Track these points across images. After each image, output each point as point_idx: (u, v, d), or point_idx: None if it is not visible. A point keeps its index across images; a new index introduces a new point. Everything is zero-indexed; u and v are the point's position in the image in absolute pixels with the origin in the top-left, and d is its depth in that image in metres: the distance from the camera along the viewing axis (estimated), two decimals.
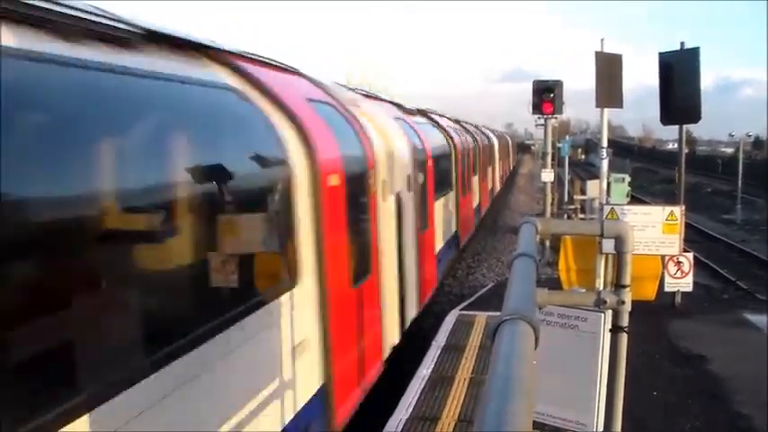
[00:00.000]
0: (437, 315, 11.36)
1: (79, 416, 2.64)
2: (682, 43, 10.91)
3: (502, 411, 0.92)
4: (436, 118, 16.82)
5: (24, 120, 2.69)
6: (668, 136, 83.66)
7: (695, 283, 11.80)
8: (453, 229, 15.52)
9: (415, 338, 9.80)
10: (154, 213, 3.55)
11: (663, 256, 10.70)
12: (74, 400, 2.64)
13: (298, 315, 5.00)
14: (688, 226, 19.12)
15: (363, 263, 7.03)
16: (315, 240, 5.40)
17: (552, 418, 3.24)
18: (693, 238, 22.75)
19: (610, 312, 3.02)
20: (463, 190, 17.54)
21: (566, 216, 22.12)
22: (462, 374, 8.06)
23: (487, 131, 34.17)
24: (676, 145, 13.67)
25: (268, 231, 5.00)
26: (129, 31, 3.64)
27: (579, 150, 79.48)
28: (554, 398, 3.13)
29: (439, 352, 8.97)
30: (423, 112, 15.30)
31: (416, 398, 7.34)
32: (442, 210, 13.50)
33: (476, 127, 28.64)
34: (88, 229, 3.03)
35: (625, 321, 2.94)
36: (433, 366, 8.41)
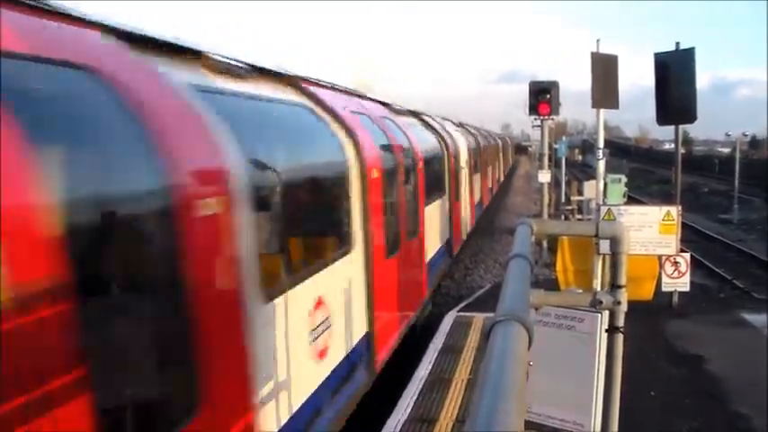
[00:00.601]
0: (435, 317, 11.35)
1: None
2: (677, 43, 10.94)
3: (493, 411, 0.92)
4: (467, 127, 26.96)
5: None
6: (665, 136, 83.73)
7: (692, 283, 11.81)
8: (479, 196, 24.49)
9: (413, 340, 9.80)
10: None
11: (660, 257, 10.71)
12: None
13: (445, 203, 14.10)
14: (685, 226, 19.08)
15: (457, 194, 16.21)
16: (448, 181, 14.75)
17: (550, 418, 3.23)
18: (690, 237, 22.77)
19: (606, 313, 3.02)
20: (485, 174, 27.83)
21: (563, 217, 22.12)
22: (460, 376, 8.06)
23: (494, 135, 49.15)
24: (673, 145, 13.68)
25: (441, 177, 14.24)
26: (414, 111, 14.80)
27: (576, 151, 79.54)
28: (552, 398, 3.13)
29: (437, 353, 8.97)
30: (461, 124, 25.17)
31: (414, 399, 7.34)
32: (475, 184, 22.57)
33: (488, 132, 41.82)
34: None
35: (621, 322, 2.94)
36: (430, 368, 8.40)
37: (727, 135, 50.05)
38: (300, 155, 5.99)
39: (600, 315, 3.09)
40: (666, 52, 10.99)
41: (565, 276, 11.65)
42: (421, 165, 10.84)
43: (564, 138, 39.84)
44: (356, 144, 6.85)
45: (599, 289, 7.48)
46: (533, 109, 15.95)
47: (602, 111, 11.03)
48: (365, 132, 7.50)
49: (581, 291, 3.73)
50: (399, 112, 11.80)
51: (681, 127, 11.84)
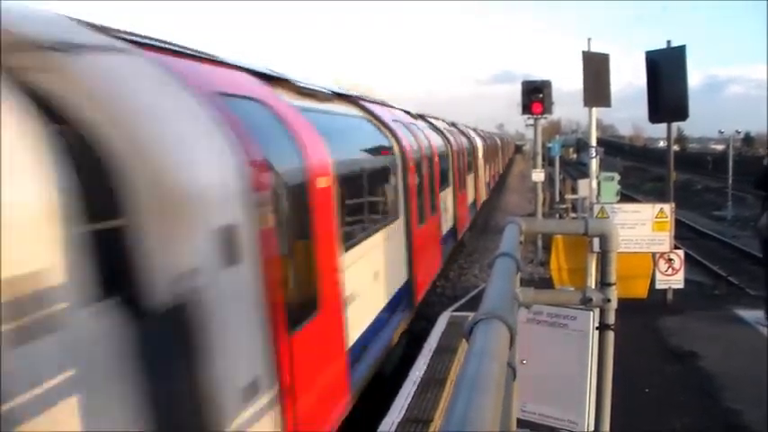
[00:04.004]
0: (429, 317, 11.35)
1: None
2: (668, 41, 10.96)
3: (468, 408, 0.92)
4: (481, 131, 33.96)
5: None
6: (659, 134, 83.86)
7: (686, 280, 11.80)
8: (487, 180, 30.98)
9: (408, 340, 9.79)
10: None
11: (654, 254, 10.72)
12: None
13: (472, 182, 23.33)
14: (679, 223, 19.18)
15: (480, 172, 27.11)
16: (483, 167, 29.45)
17: (544, 417, 3.23)
18: (685, 235, 22.85)
19: (598, 310, 3.02)
20: (494, 163, 36.61)
21: (557, 216, 22.15)
22: (454, 376, 8.04)
23: (499, 136, 60.07)
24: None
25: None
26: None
27: (571, 150, 79.58)
28: (545, 397, 3.13)
29: (431, 354, 8.96)
30: (474, 129, 32.66)
31: (409, 400, 7.33)
32: (486, 171, 29.81)
33: (491, 134, 49.63)
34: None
35: (611, 319, 2.94)
36: (425, 368, 8.39)
37: (721, 132, 50.19)
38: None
39: (592, 313, 3.09)
40: (658, 50, 11.01)
41: (559, 275, 11.64)
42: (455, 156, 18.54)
43: (558, 136, 40.05)
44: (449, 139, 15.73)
45: (593, 287, 7.48)
46: (526, 108, 15.97)
47: (594, 109, 11.06)
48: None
49: (573, 289, 3.73)
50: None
51: (675, 125, 11.85)
